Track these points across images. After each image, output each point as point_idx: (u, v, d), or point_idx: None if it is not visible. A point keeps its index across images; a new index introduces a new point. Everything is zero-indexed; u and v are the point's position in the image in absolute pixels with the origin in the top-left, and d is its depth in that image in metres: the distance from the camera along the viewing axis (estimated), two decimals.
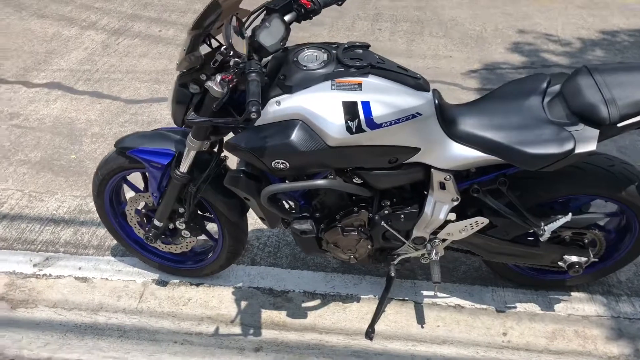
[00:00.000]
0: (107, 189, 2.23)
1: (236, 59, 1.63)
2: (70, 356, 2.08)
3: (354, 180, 1.92)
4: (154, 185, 2.07)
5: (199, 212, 2.20)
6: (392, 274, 2.17)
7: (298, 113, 1.72)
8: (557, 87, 1.87)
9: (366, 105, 1.71)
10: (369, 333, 2.18)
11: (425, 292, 2.36)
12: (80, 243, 2.60)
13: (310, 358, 2.10)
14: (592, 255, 2.11)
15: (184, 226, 2.14)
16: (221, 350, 2.12)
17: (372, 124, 1.71)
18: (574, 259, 2.12)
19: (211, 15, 1.66)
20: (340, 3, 1.99)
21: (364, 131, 1.72)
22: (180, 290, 2.38)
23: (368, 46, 1.83)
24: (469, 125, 1.84)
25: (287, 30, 1.76)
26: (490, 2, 5.30)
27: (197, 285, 2.40)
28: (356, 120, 1.70)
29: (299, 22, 1.91)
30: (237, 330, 2.21)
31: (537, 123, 1.80)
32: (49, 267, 2.46)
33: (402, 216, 2.02)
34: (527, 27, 4.83)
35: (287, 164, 1.77)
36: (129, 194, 2.30)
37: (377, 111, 1.71)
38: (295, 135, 1.73)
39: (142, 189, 2.23)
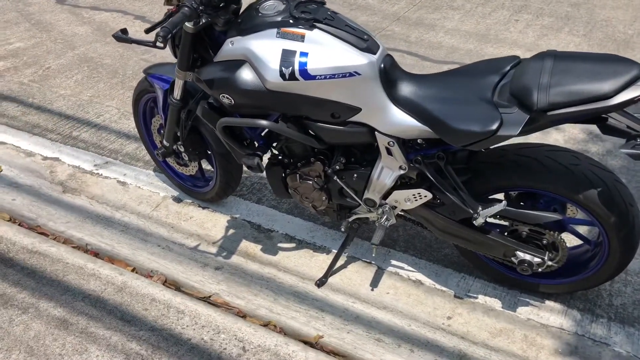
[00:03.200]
0: (140, 109, 2.64)
1: None
2: (77, 234, 2.54)
3: (309, 131, 2.05)
4: (160, 107, 2.42)
5: (203, 139, 2.48)
6: (343, 230, 2.26)
7: (244, 54, 1.91)
8: None
9: (304, 55, 1.83)
10: (320, 281, 2.30)
11: (394, 262, 2.39)
12: (136, 156, 3.08)
13: (254, 286, 2.30)
14: (546, 258, 1.98)
15: (182, 149, 2.46)
16: (188, 261, 2.42)
17: (306, 74, 1.84)
18: (526, 256, 2.01)
19: None
20: None
21: (297, 80, 1.84)
22: (188, 208, 2.72)
23: (323, 3, 1.93)
24: (413, 93, 1.86)
25: None
26: None
27: (204, 208, 2.72)
28: (290, 68, 1.84)
29: None
30: (213, 250, 2.48)
31: (476, 101, 1.76)
32: (104, 169, 2.98)
33: (355, 175, 2.10)
34: None
35: (232, 100, 1.97)
36: None
37: (313, 63, 1.83)
38: (238, 74, 1.92)
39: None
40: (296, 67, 1.83)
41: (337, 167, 2.09)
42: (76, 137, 3.23)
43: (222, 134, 2.11)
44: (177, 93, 2.25)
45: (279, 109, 1.97)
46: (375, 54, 1.85)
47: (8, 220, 2.59)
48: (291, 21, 1.86)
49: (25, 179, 2.90)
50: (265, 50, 1.86)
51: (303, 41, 1.84)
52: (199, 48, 2.06)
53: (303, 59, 1.83)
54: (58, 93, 3.68)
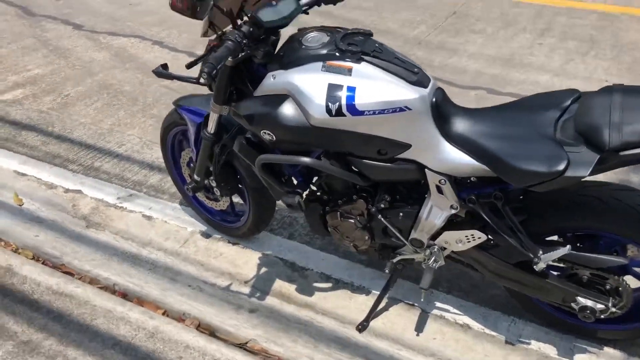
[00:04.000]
0: (168, 141, 2.54)
1: (230, 29, 1.77)
2: (103, 273, 2.43)
3: (352, 167, 1.94)
4: (192, 142, 2.31)
5: (236, 174, 2.37)
6: (387, 271, 2.14)
7: (287, 89, 1.81)
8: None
9: (351, 90, 1.73)
10: (362, 325, 2.17)
11: (438, 304, 2.26)
12: (161, 189, 2.98)
13: (293, 331, 2.17)
14: (610, 305, 1.85)
15: (214, 184, 2.35)
16: (221, 303, 2.30)
17: (354, 110, 1.73)
18: (588, 302, 1.87)
19: None
20: None
21: (344, 115, 1.74)
22: (218, 244, 2.60)
23: (370, 34, 1.83)
24: (467, 129, 1.75)
25: (297, 10, 1.84)
26: None
27: (234, 244, 2.60)
28: (337, 103, 1.73)
29: (319, 5, 1.97)
30: (246, 290, 2.36)
31: (538, 138, 1.65)
32: (128, 202, 2.87)
33: (401, 214, 1.98)
34: None
35: (273, 136, 1.86)
36: None
37: (361, 98, 1.72)
38: (281, 109, 1.82)
39: None
40: (343, 102, 1.73)
41: (382, 206, 1.98)
42: (98, 168, 3.14)
43: (260, 171, 2.00)
44: (211, 127, 2.15)
45: (323, 145, 1.87)
46: (426, 87, 1.75)
47: (31, 259, 2.48)
48: (337, 54, 1.77)
49: (47, 213, 2.79)
50: (310, 85, 1.76)
51: (350, 75, 1.74)
52: (236, 81, 1.96)
53: (350, 94, 1.73)
54: (78, 121, 3.60)
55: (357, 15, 5.08)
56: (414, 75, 1.75)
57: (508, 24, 4.98)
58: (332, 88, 1.74)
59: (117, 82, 4.08)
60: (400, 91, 1.72)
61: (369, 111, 1.72)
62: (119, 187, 2.99)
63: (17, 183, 2.99)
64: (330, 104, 1.74)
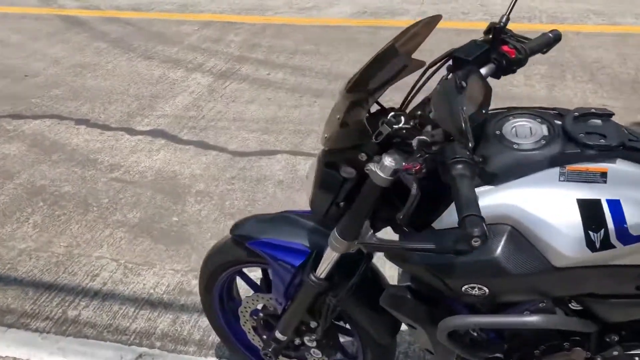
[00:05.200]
0: (219, 284, 1.75)
1: (421, 137, 1.09)
2: None
3: (570, 305, 1.31)
4: (280, 289, 1.56)
5: (334, 322, 1.66)
6: None
7: (507, 215, 1.16)
8: None
9: (615, 206, 1.13)
10: None
11: None
12: (180, 336, 2.14)
13: None
14: None
15: (314, 344, 1.62)
16: None
17: (626, 236, 1.13)
18: None
19: (384, 69, 1.15)
20: (545, 50, 1.45)
21: (613, 247, 1.12)
22: None
23: (610, 115, 1.24)
24: None
25: (488, 91, 1.22)
26: None
27: None
28: (601, 231, 1.11)
29: (498, 77, 1.37)
30: None
31: None
32: None
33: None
34: None
35: (487, 290, 1.19)
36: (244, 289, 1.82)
37: (634, 216, 1.12)
38: (503, 249, 1.16)
39: (259, 284, 1.74)
40: (610, 226, 1.12)
41: (614, 353, 1.36)
42: (76, 320, 2.23)
43: (448, 340, 1.30)
44: (323, 270, 1.44)
45: (559, 293, 1.23)
46: None
47: None
48: (577, 151, 1.14)
49: None
50: (549, 206, 1.14)
51: (605, 182, 1.14)
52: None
53: (616, 213, 1.12)
54: (17, 249, 2.63)
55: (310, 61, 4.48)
56: None
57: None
58: (586, 207, 1.12)
59: (50, 183, 3.13)
60: None
61: None
62: (118, 345, 2.11)
63: None
64: (591, 233, 1.11)
